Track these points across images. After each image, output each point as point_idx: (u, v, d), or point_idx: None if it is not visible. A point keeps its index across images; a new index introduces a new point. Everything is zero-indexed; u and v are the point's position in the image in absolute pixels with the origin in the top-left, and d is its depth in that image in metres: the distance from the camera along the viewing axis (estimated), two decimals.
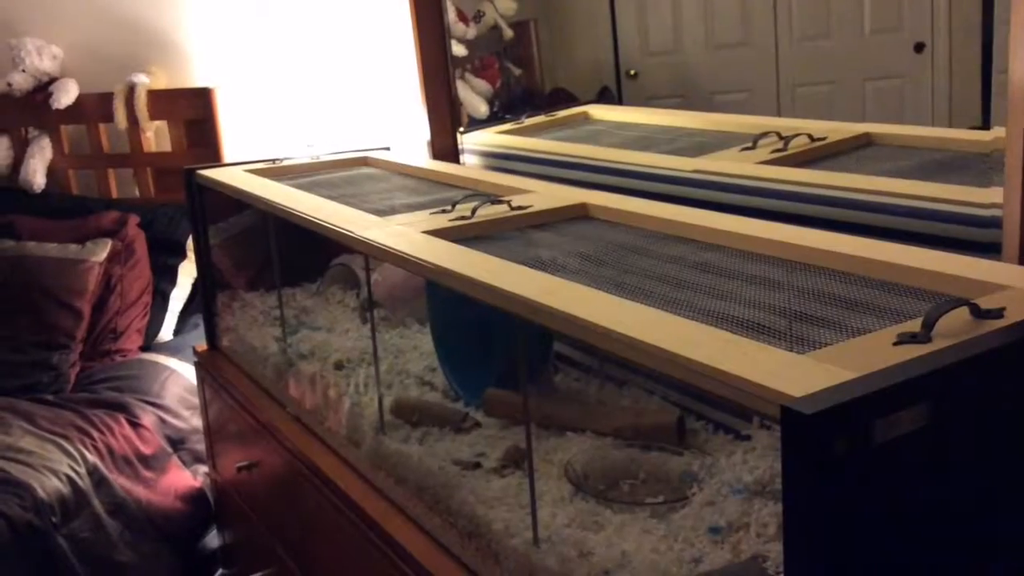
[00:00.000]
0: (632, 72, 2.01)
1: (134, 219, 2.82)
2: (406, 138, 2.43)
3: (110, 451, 2.30)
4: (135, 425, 2.40)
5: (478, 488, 1.31)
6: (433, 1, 2.22)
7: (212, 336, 2.27)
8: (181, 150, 2.97)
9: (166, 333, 2.86)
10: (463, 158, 2.25)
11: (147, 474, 2.34)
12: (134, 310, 2.77)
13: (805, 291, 1.09)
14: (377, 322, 1.90)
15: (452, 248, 1.33)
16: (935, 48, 1.43)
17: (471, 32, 2.29)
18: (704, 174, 1.61)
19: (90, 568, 2.15)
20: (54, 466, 2.18)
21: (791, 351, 0.88)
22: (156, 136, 3.04)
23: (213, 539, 2.46)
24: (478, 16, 2.28)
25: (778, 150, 1.57)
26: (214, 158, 2.85)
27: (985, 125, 1.25)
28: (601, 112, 2.09)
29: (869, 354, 0.83)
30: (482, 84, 2.31)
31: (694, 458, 1.33)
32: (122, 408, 2.43)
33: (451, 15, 2.23)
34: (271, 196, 1.80)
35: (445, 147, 2.27)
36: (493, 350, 1.54)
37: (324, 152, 2.27)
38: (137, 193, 3.11)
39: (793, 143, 1.57)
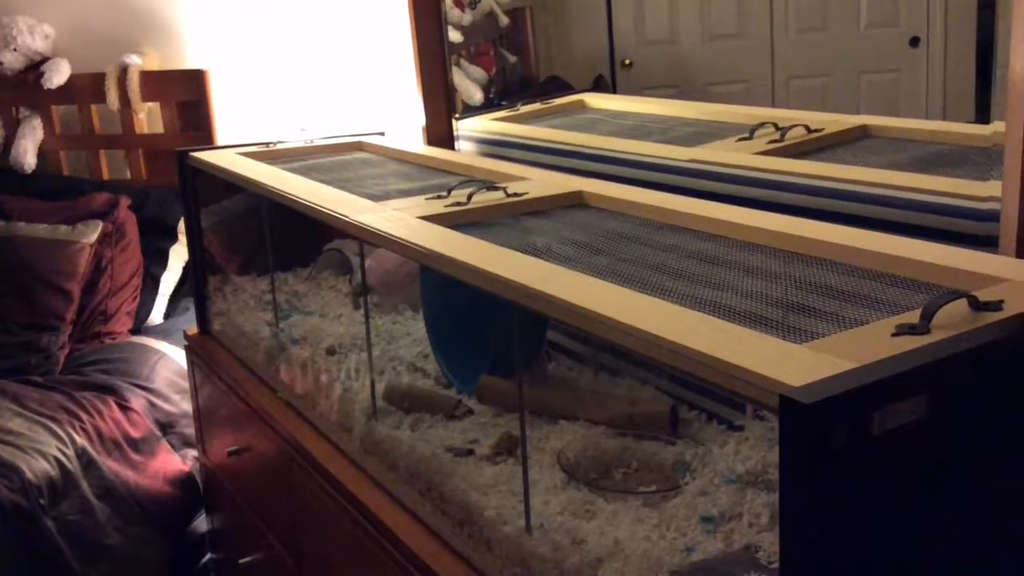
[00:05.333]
0: (627, 61, 2.01)
1: (125, 201, 2.80)
2: (401, 123, 2.42)
3: (99, 434, 2.29)
4: (124, 408, 2.39)
5: (470, 475, 1.31)
6: None
7: (203, 320, 2.26)
8: (174, 132, 2.96)
9: (156, 316, 2.85)
10: (458, 144, 2.24)
11: (136, 458, 2.34)
12: (124, 292, 2.75)
13: (802, 282, 1.08)
14: (370, 308, 1.89)
15: (448, 234, 1.32)
16: (930, 43, 1.43)
17: (467, 18, 2.28)
18: (701, 164, 1.61)
19: (77, 551, 2.14)
20: (43, 448, 2.17)
21: (789, 341, 0.88)
22: (148, 118, 3.02)
23: (202, 524, 2.46)
24: (474, 2, 2.27)
25: (775, 141, 1.57)
26: (207, 141, 2.84)
27: (979, 119, 1.25)
28: (597, 100, 2.08)
29: (867, 345, 0.82)
30: (477, 71, 2.30)
31: (687, 447, 1.33)
32: (111, 391, 2.42)
33: (447, 0, 2.22)
34: (264, 180, 1.79)
35: (440, 133, 2.26)
36: (486, 337, 1.54)
37: (318, 136, 2.26)
38: (129, 175, 3.10)
39: (790, 134, 1.56)
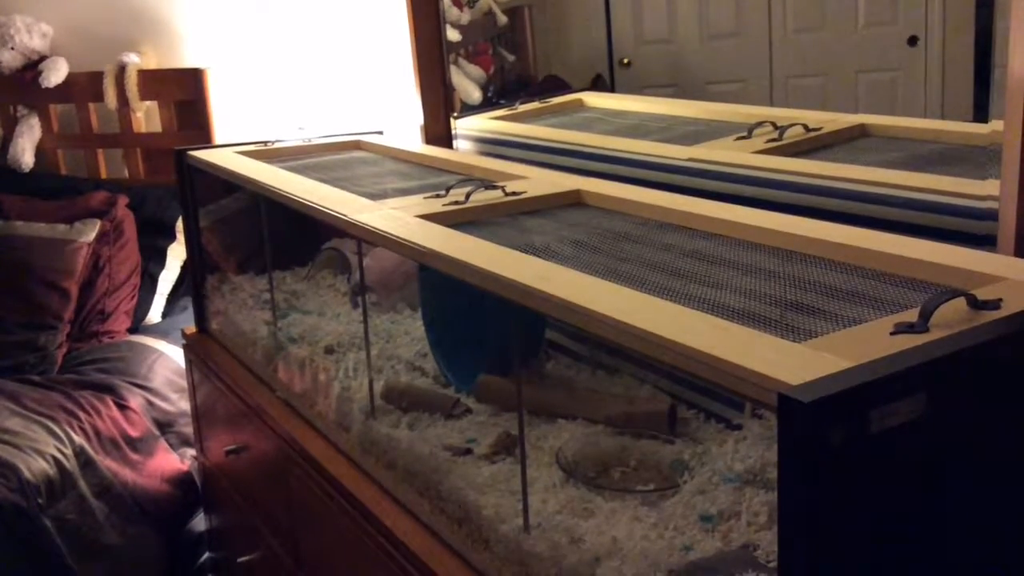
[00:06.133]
0: (626, 60, 2.01)
1: (123, 200, 2.80)
2: (399, 122, 2.42)
3: (97, 433, 2.29)
4: (122, 407, 2.39)
5: (469, 474, 1.31)
6: None
7: (201, 319, 2.26)
8: (171, 131, 2.95)
9: (154, 315, 2.84)
10: (456, 143, 2.24)
11: (134, 456, 2.33)
12: (122, 291, 2.75)
13: (801, 280, 1.08)
14: (368, 307, 1.89)
15: (446, 233, 1.32)
16: (929, 42, 1.43)
17: (465, 17, 2.28)
18: (699, 162, 1.61)
19: (75, 550, 2.14)
20: (40, 447, 2.16)
21: (787, 340, 0.88)
22: (146, 117, 3.02)
23: (200, 523, 2.46)
24: (472, 1, 2.27)
25: (773, 140, 1.57)
26: (205, 139, 2.83)
27: (977, 118, 1.25)
28: (595, 99, 2.08)
29: (866, 343, 0.82)
30: (475, 70, 2.30)
31: (685, 446, 1.33)
32: (110, 390, 2.42)
33: None
34: (262, 178, 1.78)
35: (438, 132, 2.26)
36: (484, 336, 1.54)
37: (316, 135, 2.26)
38: (127, 174, 3.10)
39: (788, 133, 1.56)
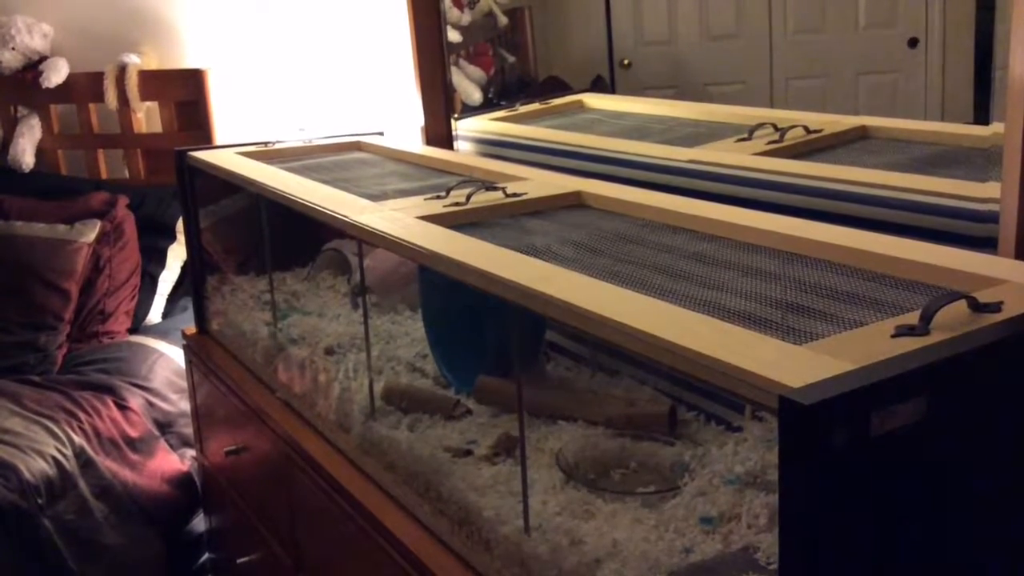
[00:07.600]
0: (626, 61, 2.01)
1: (123, 200, 2.80)
2: (400, 123, 2.42)
3: (97, 433, 2.29)
4: (122, 408, 2.39)
5: (469, 475, 1.30)
6: None
7: (201, 319, 2.26)
8: (172, 132, 2.96)
9: (155, 316, 2.84)
10: (457, 144, 2.24)
11: (134, 457, 2.33)
12: (122, 292, 2.75)
13: (802, 283, 1.08)
14: (368, 308, 1.89)
15: (447, 234, 1.32)
16: (929, 43, 1.43)
17: (466, 18, 2.28)
18: (700, 164, 1.61)
19: (75, 550, 2.14)
20: (40, 448, 2.16)
21: (788, 342, 0.88)
22: (147, 117, 3.02)
23: (200, 523, 2.46)
24: (473, 2, 2.27)
25: (774, 141, 1.57)
26: (205, 140, 2.83)
27: (977, 120, 1.25)
28: (596, 101, 2.08)
29: (867, 346, 0.82)
30: (476, 71, 2.30)
31: (686, 448, 1.33)
32: (110, 390, 2.42)
33: (446, 0, 2.22)
34: (263, 179, 1.78)
35: (439, 133, 2.26)
36: (485, 337, 1.54)
37: (317, 136, 2.26)
38: (127, 174, 3.10)
39: (789, 135, 1.56)
